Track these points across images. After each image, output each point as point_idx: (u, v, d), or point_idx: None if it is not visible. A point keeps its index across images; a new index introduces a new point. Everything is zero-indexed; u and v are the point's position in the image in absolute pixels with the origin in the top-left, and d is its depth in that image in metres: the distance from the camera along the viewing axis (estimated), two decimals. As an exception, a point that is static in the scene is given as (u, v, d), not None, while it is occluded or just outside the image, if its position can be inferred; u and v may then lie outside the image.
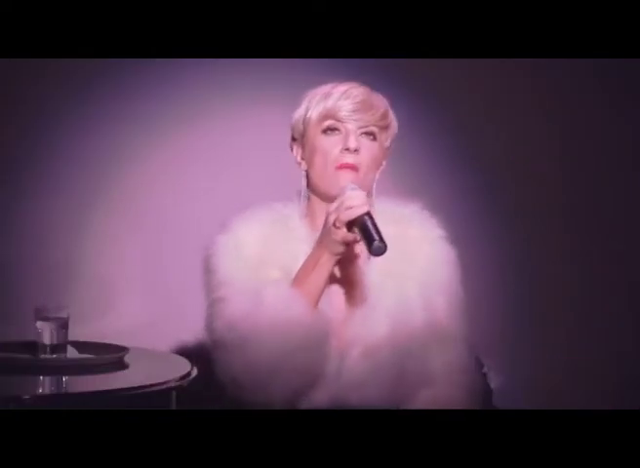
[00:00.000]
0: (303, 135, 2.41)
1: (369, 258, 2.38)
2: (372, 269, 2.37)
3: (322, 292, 2.32)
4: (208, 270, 2.38)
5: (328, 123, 2.37)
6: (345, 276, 2.38)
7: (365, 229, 2.23)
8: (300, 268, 2.32)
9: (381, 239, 2.21)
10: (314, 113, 2.38)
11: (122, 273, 3.13)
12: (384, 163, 2.43)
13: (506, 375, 2.57)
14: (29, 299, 2.73)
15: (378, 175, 2.41)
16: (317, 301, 2.32)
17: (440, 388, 2.33)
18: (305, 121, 2.40)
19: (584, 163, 3.40)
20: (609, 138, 3.40)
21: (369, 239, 2.22)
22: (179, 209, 3.14)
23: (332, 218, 2.26)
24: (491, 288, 3.19)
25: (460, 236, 2.47)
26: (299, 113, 2.42)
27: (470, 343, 2.40)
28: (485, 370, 2.55)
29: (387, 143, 2.42)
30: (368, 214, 2.25)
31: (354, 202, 2.25)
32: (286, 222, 2.41)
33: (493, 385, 2.56)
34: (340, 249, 2.29)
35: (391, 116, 2.42)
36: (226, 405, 2.32)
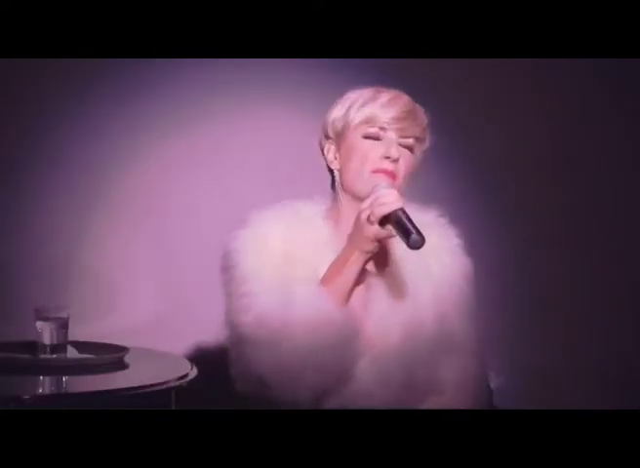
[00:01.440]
0: (341, 135, 2.39)
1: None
2: (388, 274, 2.37)
3: (352, 290, 2.31)
4: (230, 265, 2.36)
5: (371, 129, 2.35)
6: (379, 274, 2.38)
7: (400, 223, 2.23)
8: (330, 266, 2.32)
9: (419, 232, 2.21)
10: (358, 116, 2.36)
11: (122, 273, 3.13)
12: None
13: (506, 375, 2.57)
14: (29, 299, 2.73)
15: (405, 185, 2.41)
16: (347, 300, 2.31)
17: (448, 397, 2.33)
18: (346, 122, 2.38)
19: (585, 163, 3.40)
20: (609, 138, 3.40)
21: (406, 232, 2.22)
22: (180, 208, 3.14)
23: (365, 214, 2.26)
24: (491, 287, 3.18)
25: (459, 236, 2.47)
26: (337, 113, 2.40)
27: (479, 352, 2.39)
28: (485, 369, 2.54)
29: (421, 155, 2.42)
30: (402, 209, 2.25)
31: (388, 198, 2.26)
32: (309, 221, 2.40)
33: (493, 385, 2.56)
34: (371, 246, 2.28)
35: (428, 128, 2.42)
36: (227, 404, 2.32)
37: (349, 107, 2.38)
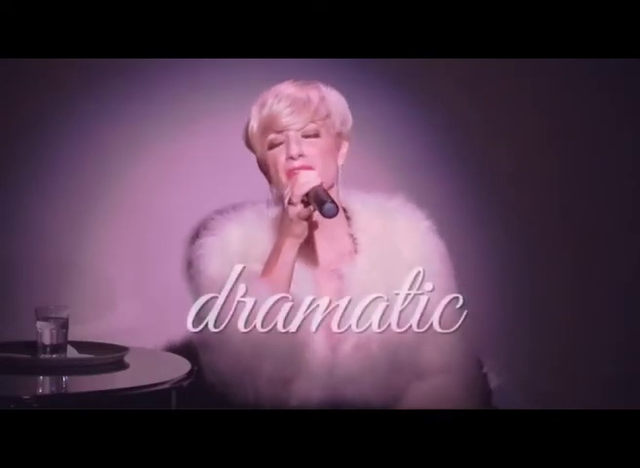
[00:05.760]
0: (254, 151, 2.45)
1: (356, 252, 2.40)
2: (359, 262, 2.39)
3: (290, 278, 2.33)
4: (195, 272, 2.41)
5: (270, 138, 2.39)
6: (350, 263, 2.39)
7: (317, 196, 2.27)
8: (267, 258, 2.34)
9: (333, 201, 2.25)
10: (254, 126, 2.42)
11: (122, 273, 3.13)
12: (347, 145, 2.44)
13: (506, 375, 2.57)
14: (29, 299, 2.73)
15: (342, 161, 2.42)
16: (287, 289, 2.33)
17: (435, 380, 2.34)
18: (250, 136, 2.43)
19: (584, 162, 3.39)
20: (609, 138, 3.39)
21: (320, 203, 2.26)
22: (180, 208, 3.14)
23: (287, 198, 2.30)
24: (491, 287, 3.19)
25: (460, 236, 2.47)
26: (244, 131, 2.46)
27: (467, 338, 2.39)
28: (485, 369, 2.54)
29: (337, 127, 2.41)
30: (320, 185, 2.29)
31: (306, 178, 2.30)
32: (269, 224, 2.42)
33: (493, 385, 2.55)
34: (299, 229, 2.31)
35: (328, 102, 2.41)
36: (226, 405, 2.32)
37: (247, 123, 2.44)
